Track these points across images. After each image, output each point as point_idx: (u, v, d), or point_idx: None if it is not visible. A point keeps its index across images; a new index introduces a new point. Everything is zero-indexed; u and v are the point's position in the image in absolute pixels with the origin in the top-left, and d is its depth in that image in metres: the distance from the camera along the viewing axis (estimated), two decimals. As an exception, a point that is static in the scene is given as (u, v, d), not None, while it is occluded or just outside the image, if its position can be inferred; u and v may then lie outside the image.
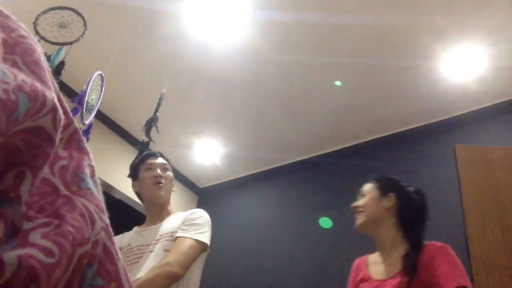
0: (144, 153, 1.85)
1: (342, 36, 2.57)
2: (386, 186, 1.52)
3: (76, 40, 1.95)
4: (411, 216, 1.46)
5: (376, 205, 1.49)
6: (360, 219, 1.53)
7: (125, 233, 1.70)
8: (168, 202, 1.73)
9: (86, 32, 2.00)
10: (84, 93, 1.88)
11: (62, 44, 1.90)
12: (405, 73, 2.75)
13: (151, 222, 1.68)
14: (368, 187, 1.58)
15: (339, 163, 3.42)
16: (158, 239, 1.54)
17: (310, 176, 3.51)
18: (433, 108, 2.98)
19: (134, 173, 1.77)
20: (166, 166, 1.77)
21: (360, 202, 1.56)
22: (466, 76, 2.72)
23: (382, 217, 1.45)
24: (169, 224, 1.59)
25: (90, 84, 1.92)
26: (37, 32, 1.85)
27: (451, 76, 2.73)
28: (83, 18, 1.97)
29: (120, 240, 1.64)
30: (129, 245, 1.59)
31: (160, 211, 1.70)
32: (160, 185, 1.68)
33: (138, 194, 1.79)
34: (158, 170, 1.71)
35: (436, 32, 2.47)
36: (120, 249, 1.56)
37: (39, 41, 1.78)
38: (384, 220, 1.44)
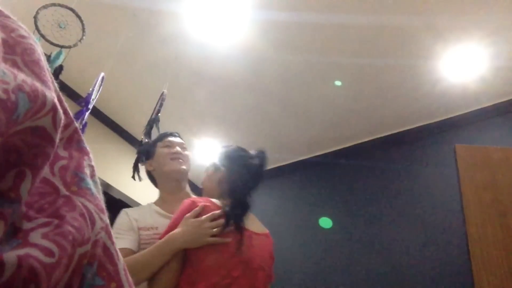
0: (163, 132, 1.77)
1: (342, 36, 2.57)
2: (219, 160, 1.53)
3: (75, 45, 1.94)
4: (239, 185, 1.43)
5: (209, 180, 1.51)
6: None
7: (140, 208, 1.58)
8: (186, 183, 1.66)
9: (84, 37, 1.99)
10: (90, 95, 1.88)
11: (62, 46, 1.89)
12: (405, 73, 2.75)
13: (171, 207, 1.57)
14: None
15: (339, 163, 3.42)
16: None
17: (310, 176, 3.51)
18: (433, 108, 2.98)
19: (149, 151, 1.70)
20: (185, 146, 1.71)
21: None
22: (466, 76, 2.72)
23: (214, 188, 1.46)
24: None
25: (96, 86, 1.92)
26: (37, 28, 1.83)
27: (451, 76, 2.73)
28: (82, 22, 1.96)
29: (138, 215, 1.51)
30: (157, 228, 1.47)
31: (178, 192, 1.61)
32: (179, 160, 1.61)
33: (151, 175, 1.69)
34: (178, 148, 1.65)
35: (436, 32, 2.47)
36: (142, 228, 1.45)
37: (39, 39, 1.78)
38: (216, 189, 1.45)
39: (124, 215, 1.49)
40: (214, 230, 1.21)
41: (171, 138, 1.70)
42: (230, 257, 1.21)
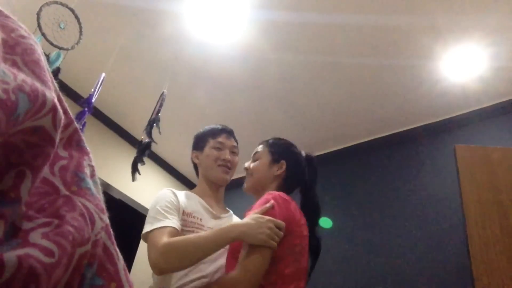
0: (219, 127, 1.68)
1: (342, 36, 2.57)
2: (279, 152, 1.50)
3: (72, 47, 1.92)
4: (295, 183, 1.47)
5: (267, 171, 1.46)
6: (248, 183, 1.50)
7: (186, 194, 1.53)
8: (223, 188, 1.65)
9: (81, 40, 1.97)
10: (91, 96, 1.87)
11: (60, 48, 1.87)
12: (405, 73, 2.75)
13: (212, 203, 1.55)
14: (261, 150, 1.54)
15: (339, 163, 3.42)
16: None
17: (310, 176, 3.51)
18: (433, 108, 2.98)
19: (199, 143, 1.65)
20: (235, 150, 1.66)
21: (251, 164, 1.52)
22: (466, 76, 2.72)
23: (269, 183, 1.43)
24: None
25: (98, 86, 1.92)
26: (39, 25, 1.81)
27: (451, 76, 2.73)
28: (80, 24, 1.95)
29: (186, 199, 1.47)
30: (201, 220, 1.44)
31: (216, 194, 1.59)
32: (225, 169, 1.58)
33: (195, 164, 1.68)
34: (228, 153, 1.60)
35: (436, 32, 2.47)
36: (189, 214, 1.41)
37: (40, 39, 1.78)
38: (269, 184, 1.43)
39: (171, 194, 1.45)
40: (275, 237, 1.17)
41: (223, 139, 1.63)
42: (304, 269, 1.26)
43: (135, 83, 3.16)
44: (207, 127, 1.71)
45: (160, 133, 2.30)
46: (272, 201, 1.23)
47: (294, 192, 1.50)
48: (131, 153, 2.69)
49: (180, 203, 1.43)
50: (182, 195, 1.50)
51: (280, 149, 1.51)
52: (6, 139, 0.27)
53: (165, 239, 1.23)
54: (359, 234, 2.95)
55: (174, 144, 3.70)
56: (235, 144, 1.67)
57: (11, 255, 0.25)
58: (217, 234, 1.19)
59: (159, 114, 2.32)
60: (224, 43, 2.73)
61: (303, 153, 1.55)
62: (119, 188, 3.38)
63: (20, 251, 0.25)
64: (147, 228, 1.33)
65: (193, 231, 1.36)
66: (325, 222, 3.15)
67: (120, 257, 0.36)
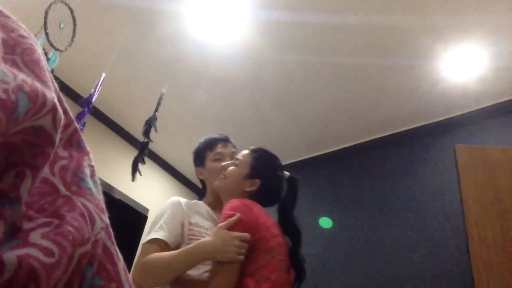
0: (213, 138, 1.68)
1: (342, 36, 2.57)
2: (258, 169, 1.43)
3: (65, 49, 1.91)
4: (265, 203, 1.40)
5: (239, 183, 1.41)
6: (219, 183, 1.45)
7: (187, 203, 1.51)
8: None
9: (72, 43, 1.95)
10: (92, 96, 1.87)
11: (56, 48, 1.86)
12: (405, 73, 2.75)
13: (219, 211, 1.55)
14: (243, 159, 1.47)
15: (339, 163, 3.42)
16: None
17: (310, 176, 3.51)
18: (433, 108, 2.98)
19: (199, 159, 1.65)
20: (236, 155, 1.63)
21: (230, 167, 1.46)
22: (466, 76, 2.72)
23: (238, 194, 1.39)
24: None
25: (98, 86, 1.92)
26: (45, 24, 1.78)
27: (451, 76, 2.73)
28: (74, 25, 1.94)
29: (182, 207, 1.47)
30: (207, 229, 1.45)
31: (226, 201, 1.61)
32: None
33: (202, 181, 1.67)
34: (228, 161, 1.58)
35: (436, 32, 2.47)
36: (194, 224, 1.43)
37: (43, 39, 1.77)
38: (237, 196, 1.38)
39: (176, 204, 1.46)
40: (242, 250, 1.17)
41: (220, 149, 1.62)
42: (289, 280, 1.26)
43: (135, 83, 3.16)
44: (202, 140, 1.71)
45: (156, 131, 2.31)
46: (238, 214, 1.22)
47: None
48: (131, 153, 2.69)
49: (185, 213, 1.44)
50: (190, 204, 1.51)
51: (261, 167, 1.44)
52: (6, 139, 0.27)
53: (147, 256, 1.27)
54: (359, 234, 2.95)
55: (174, 144, 3.70)
56: (233, 150, 1.66)
57: (11, 255, 0.25)
58: (186, 254, 1.22)
59: (156, 113, 2.32)
60: (224, 43, 2.73)
61: (286, 175, 1.49)
62: (119, 188, 3.38)
63: (20, 251, 0.25)
64: (144, 239, 1.39)
65: (199, 237, 1.38)
66: (325, 222, 3.15)
67: (120, 257, 0.36)
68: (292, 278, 1.31)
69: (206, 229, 1.45)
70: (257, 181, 1.41)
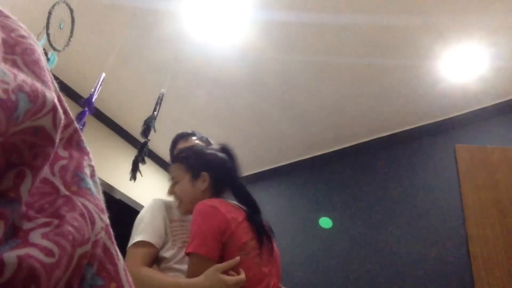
0: (176, 136, 1.71)
1: (342, 36, 2.57)
2: (195, 165, 1.40)
3: (63, 49, 1.90)
4: (226, 185, 1.40)
5: (193, 189, 1.38)
6: (183, 207, 1.42)
7: (169, 202, 1.53)
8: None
9: (69, 43, 1.94)
10: (92, 96, 1.87)
11: (54, 48, 1.85)
12: (405, 73, 2.75)
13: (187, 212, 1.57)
14: (176, 172, 1.45)
15: (339, 163, 3.42)
16: None
17: (310, 176, 3.51)
18: (433, 108, 2.98)
19: (170, 159, 1.68)
20: (198, 143, 1.66)
21: (175, 189, 1.43)
22: (466, 76, 2.72)
23: (200, 198, 1.35)
24: None
25: (98, 86, 1.91)
26: (47, 25, 1.77)
27: (451, 76, 2.73)
28: (72, 26, 1.93)
29: (163, 207, 1.48)
30: (183, 221, 1.47)
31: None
32: None
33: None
34: None
35: (436, 32, 2.47)
36: (172, 220, 1.45)
37: (44, 39, 1.76)
38: (201, 199, 1.34)
39: (157, 205, 1.47)
40: None
41: (181, 145, 1.65)
42: (265, 274, 1.25)
43: (135, 83, 3.16)
44: None
45: (155, 131, 2.31)
46: (237, 258, 1.20)
47: None
48: (131, 153, 2.69)
49: (165, 211, 1.46)
50: (169, 202, 1.52)
51: (194, 162, 1.41)
52: (6, 139, 0.27)
53: (137, 264, 1.28)
54: (359, 234, 2.95)
55: (174, 144, 3.70)
56: (196, 142, 1.67)
57: (11, 255, 0.25)
58: (175, 286, 1.19)
59: (155, 113, 2.32)
60: (224, 43, 2.73)
61: (217, 147, 1.48)
62: (119, 188, 3.38)
63: (20, 251, 0.25)
64: (129, 243, 1.39)
65: (182, 235, 1.40)
66: (325, 222, 3.15)
67: (120, 257, 0.36)
68: (275, 268, 1.30)
69: (183, 220, 1.47)
70: (204, 174, 1.39)
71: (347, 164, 3.36)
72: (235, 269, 1.18)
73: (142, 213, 1.47)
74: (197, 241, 1.17)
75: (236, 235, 1.22)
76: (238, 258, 1.19)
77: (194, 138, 1.71)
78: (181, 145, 1.65)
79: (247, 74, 2.94)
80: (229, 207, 1.28)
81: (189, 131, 1.74)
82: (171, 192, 1.44)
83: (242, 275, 1.17)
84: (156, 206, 1.48)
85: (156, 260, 1.37)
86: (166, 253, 1.37)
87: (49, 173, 0.33)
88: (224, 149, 1.46)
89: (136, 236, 1.37)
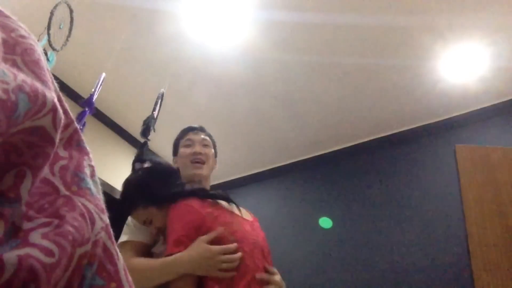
0: (186, 127, 1.73)
1: (342, 36, 2.57)
2: (150, 197, 1.39)
3: (61, 49, 1.89)
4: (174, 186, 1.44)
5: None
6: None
7: None
8: (207, 181, 1.63)
9: (67, 43, 1.94)
10: (92, 96, 1.86)
11: (53, 48, 1.84)
12: (405, 73, 2.75)
13: None
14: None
15: (339, 163, 3.42)
16: None
17: (310, 176, 3.51)
18: (433, 108, 2.98)
19: (174, 148, 1.70)
20: (207, 143, 1.67)
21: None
22: (466, 76, 2.72)
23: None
24: None
25: (98, 86, 1.91)
26: (49, 25, 1.76)
27: (451, 76, 2.73)
28: (71, 25, 1.92)
29: None
30: None
31: None
32: (197, 164, 1.58)
33: (179, 170, 1.72)
34: (197, 147, 1.62)
35: (436, 32, 2.47)
36: None
37: (45, 39, 1.76)
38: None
39: None
40: (224, 265, 1.16)
41: (191, 136, 1.66)
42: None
43: (135, 83, 3.16)
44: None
45: (154, 131, 2.30)
46: (221, 228, 1.22)
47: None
48: (131, 153, 2.69)
49: None
50: None
51: (143, 195, 1.40)
52: (6, 139, 0.27)
53: (127, 257, 1.27)
54: (359, 234, 2.95)
55: (174, 144, 3.70)
56: (204, 137, 1.69)
57: (11, 255, 0.25)
58: (164, 267, 1.20)
59: (154, 113, 2.31)
60: (224, 43, 2.73)
61: (142, 165, 1.56)
62: (120, 188, 3.38)
63: (20, 251, 0.25)
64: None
65: None
66: (325, 222, 3.15)
67: (120, 257, 0.36)
68: (268, 260, 1.30)
69: None
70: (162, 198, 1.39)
71: (347, 164, 3.36)
72: (222, 243, 1.20)
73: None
74: (171, 242, 1.20)
75: (213, 229, 1.23)
76: (221, 228, 1.21)
77: (203, 133, 1.72)
78: (191, 136, 1.66)
79: (247, 74, 2.93)
80: (205, 203, 1.29)
81: (198, 126, 1.75)
82: (156, 232, 1.39)
83: (230, 245, 1.19)
84: None
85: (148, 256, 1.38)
86: (158, 250, 1.38)
87: (49, 173, 0.33)
88: (139, 169, 1.50)
89: (124, 235, 1.38)
